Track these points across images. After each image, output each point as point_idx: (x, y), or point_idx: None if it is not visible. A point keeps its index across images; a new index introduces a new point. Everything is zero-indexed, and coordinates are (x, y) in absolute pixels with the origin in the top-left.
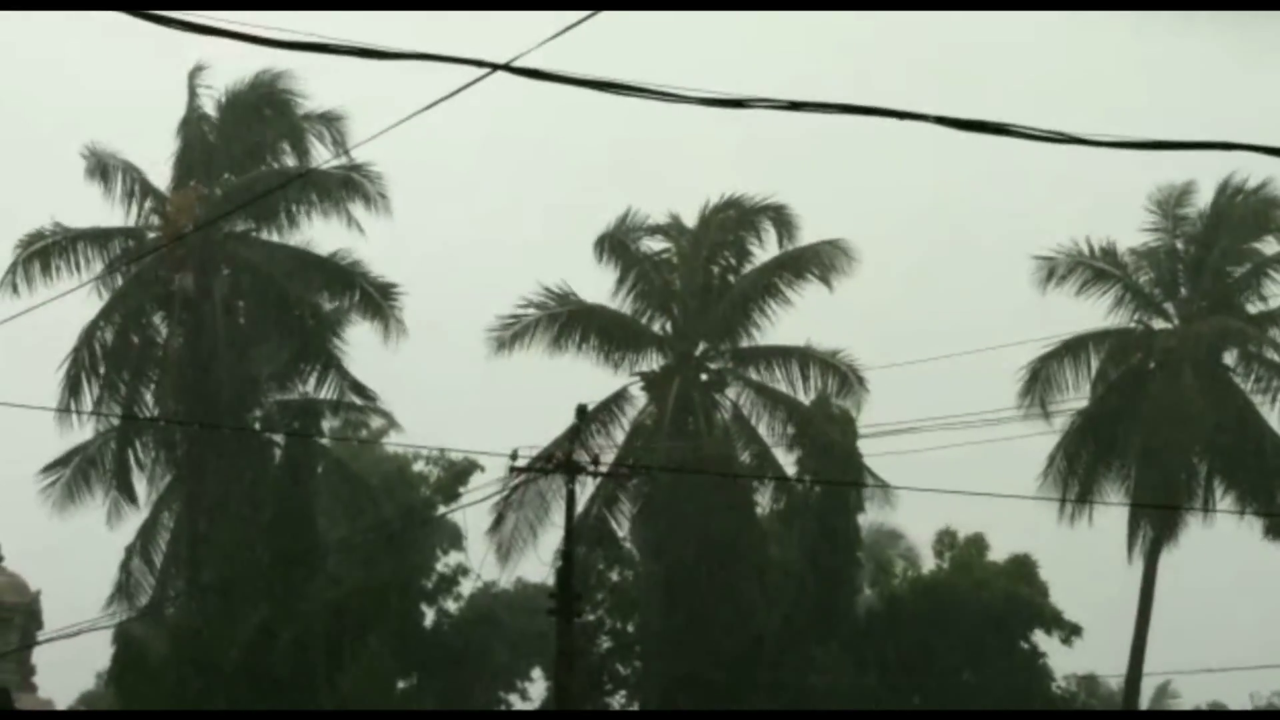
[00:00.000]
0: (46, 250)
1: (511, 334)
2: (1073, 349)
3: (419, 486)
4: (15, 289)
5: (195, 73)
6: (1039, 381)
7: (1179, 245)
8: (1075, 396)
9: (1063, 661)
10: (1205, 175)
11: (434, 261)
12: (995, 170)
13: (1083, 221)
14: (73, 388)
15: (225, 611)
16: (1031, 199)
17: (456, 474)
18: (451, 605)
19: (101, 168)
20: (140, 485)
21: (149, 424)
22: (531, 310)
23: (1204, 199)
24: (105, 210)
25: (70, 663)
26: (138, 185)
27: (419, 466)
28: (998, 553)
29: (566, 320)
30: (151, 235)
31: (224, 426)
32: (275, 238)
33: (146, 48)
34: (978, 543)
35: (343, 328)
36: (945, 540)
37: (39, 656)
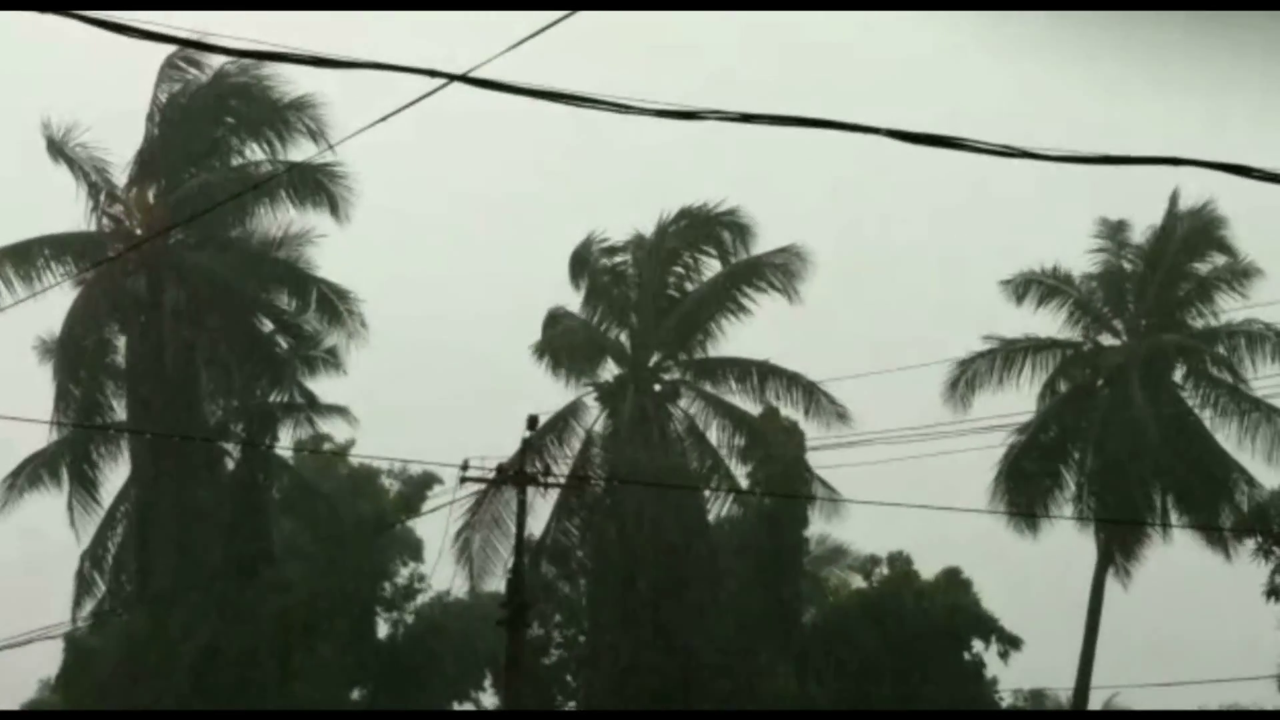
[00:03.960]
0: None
1: None
2: (1009, 356)
3: (381, 500)
4: None
5: (159, 72)
6: (962, 380)
7: (1125, 265)
8: (1021, 410)
9: (1005, 678)
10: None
11: (393, 266)
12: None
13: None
14: (62, 395)
15: (175, 620)
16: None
17: (417, 487)
18: (410, 618)
19: (65, 158)
20: (96, 492)
21: (104, 431)
22: None
23: (1151, 218)
24: (65, 216)
25: (16, 670)
26: (98, 185)
27: (384, 480)
28: (928, 568)
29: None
30: (106, 233)
31: (176, 435)
32: (232, 236)
33: (106, 48)
34: (904, 560)
35: (303, 332)
36: (870, 564)
37: None
